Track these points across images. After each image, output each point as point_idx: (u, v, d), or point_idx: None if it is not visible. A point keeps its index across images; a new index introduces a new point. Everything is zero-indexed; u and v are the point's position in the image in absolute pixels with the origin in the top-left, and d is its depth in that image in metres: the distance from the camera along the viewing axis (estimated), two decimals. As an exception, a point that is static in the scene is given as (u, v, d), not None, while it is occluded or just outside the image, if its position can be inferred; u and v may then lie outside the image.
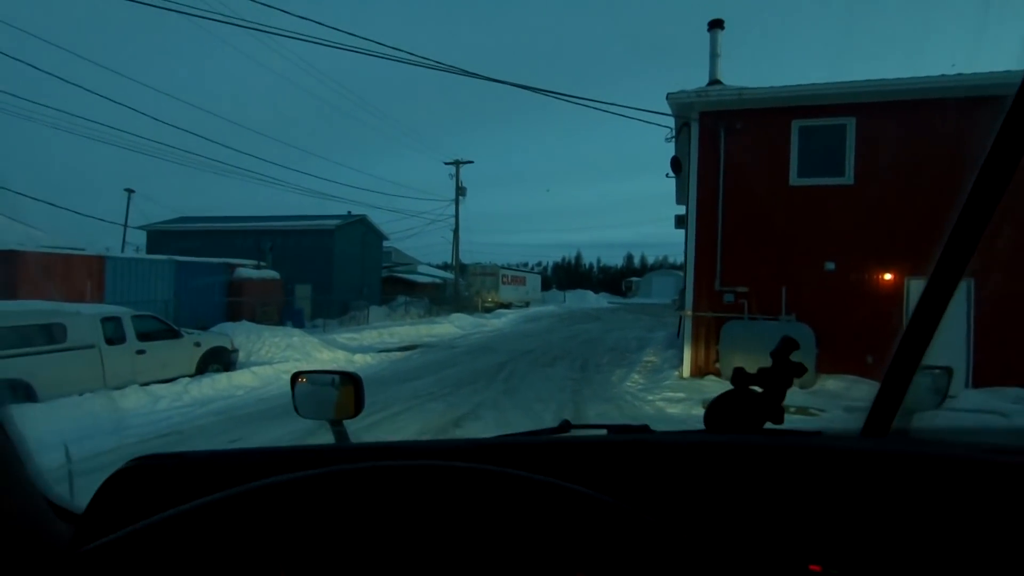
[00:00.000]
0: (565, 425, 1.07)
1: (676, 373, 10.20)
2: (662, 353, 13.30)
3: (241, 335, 12.37)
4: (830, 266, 9.18)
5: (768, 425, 0.99)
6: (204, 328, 13.06)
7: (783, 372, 1.00)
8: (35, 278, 12.79)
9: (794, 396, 9.04)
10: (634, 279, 77.06)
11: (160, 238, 26.60)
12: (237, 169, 30.08)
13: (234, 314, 17.01)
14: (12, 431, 0.62)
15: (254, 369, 10.65)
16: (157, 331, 9.56)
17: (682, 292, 11.66)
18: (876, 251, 9.00)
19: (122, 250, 29.12)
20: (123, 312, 9.22)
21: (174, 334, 9.86)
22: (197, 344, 10.24)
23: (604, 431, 1.01)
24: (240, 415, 8.07)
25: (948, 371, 1.20)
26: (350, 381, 1.20)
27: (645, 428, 1.02)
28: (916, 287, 8.81)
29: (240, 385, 9.79)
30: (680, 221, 14.36)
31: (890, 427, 0.89)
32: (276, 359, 11.69)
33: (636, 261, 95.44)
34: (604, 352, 15.04)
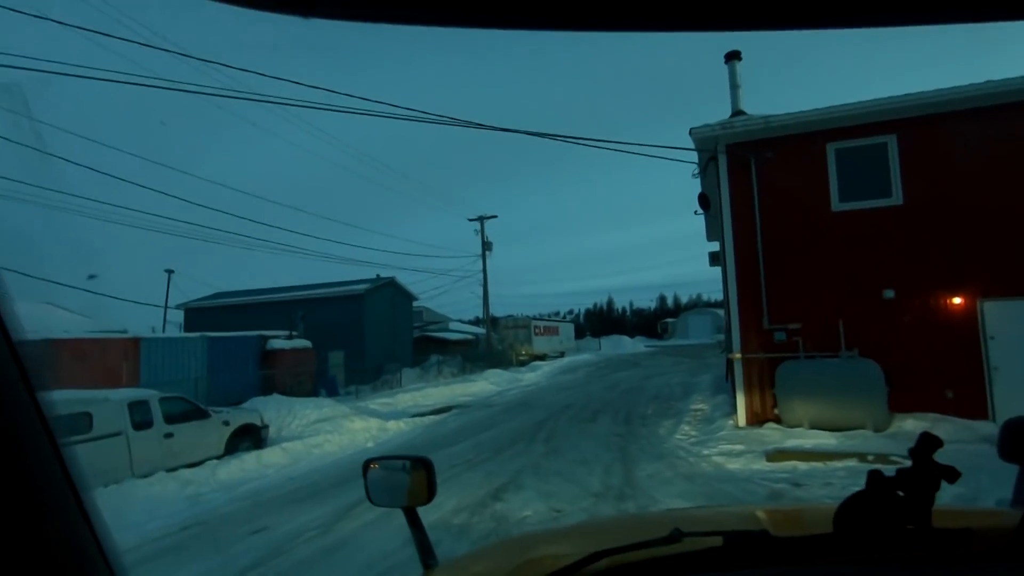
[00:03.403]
0: (676, 534, 0.92)
1: (730, 422, 9.38)
2: (711, 399, 12.43)
3: (271, 409, 12.09)
4: (889, 293, 8.43)
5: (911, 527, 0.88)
6: (237, 403, 12.88)
7: (928, 474, 0.87)
8: (72, 364, 12.90)
9: (869, 441, 8.14)
10: (669, 320, 75.53)
11: (196, 315, 27.15)
12: (268, 243, 30.86)
13: (268, 387, 16.89)
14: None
15: (284, 446, 10.27)
16: (185, 412, 9.33)
17: (727, 333, 10.95)
18: (938, 273, 8.24)
19: (163, 329, 29.90)
20: (151, 395, 9.04)
21: (202, 414, 9.61)
22: (226, 423, 9.96)
23: (719, 539, 0.91)
24: (267, 499, 7.63)
25: None
26: (422, 466, 1.17)
27: (765, 536, 0.92)
28: (991, 310, 7.98)
29: (269, 464, 9.39)
30: (715, 258, 13.76)
31: None
32: (307, 433, 11.31)
33: (670, 301, 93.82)
34: (648, 401, 14.22)
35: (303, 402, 12.86)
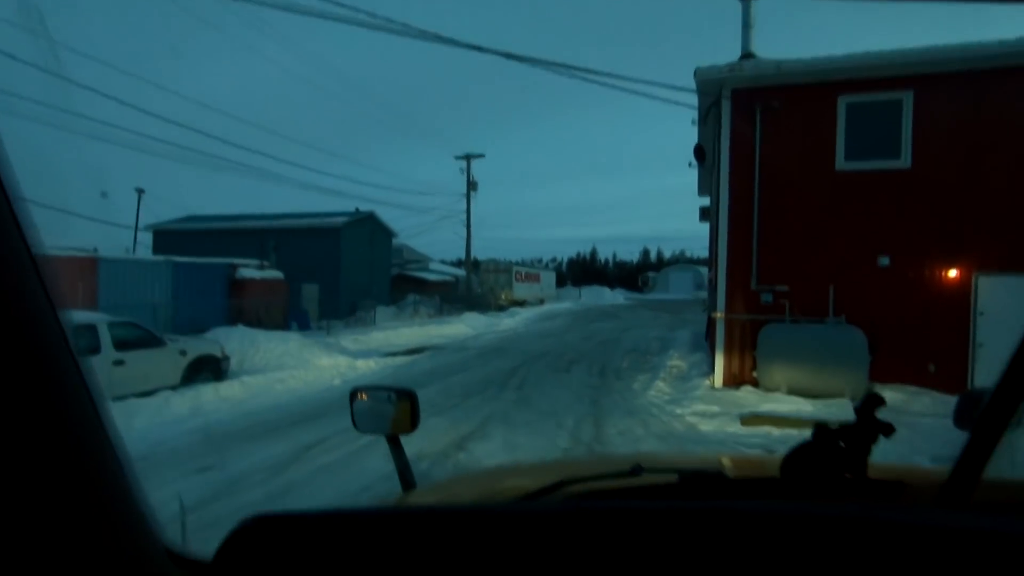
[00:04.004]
0: (636, 469, 1.03)
1: (707, 382, 9.17)
2: (688, 357, 12.26)
3: (235, 341, 11.61)
4: (884, 261, 8.08)
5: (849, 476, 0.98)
6: (201, 333, 12.36)
7: (868, 429, 0.95)
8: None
9: (846, 409, 7.96)
10: (651, 274, 75.79)
11: (165, 238, 26.11)
12: (246, 167, 29.49)
13: (236, 317, 16.33)
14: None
15: (244, 379, 9.87)
16: (138, 339, 8.79)
17: (710, 291, 10.62)
18: (938, 244, 7.89)
19: (134, 251, 28.82)
20: (99, 319, 8.47)
21: (157, 342, 9.09)
22: (183, 352, 9.47)
23: (675, 475, 1.03)
24: (221, 433, 7.26)
25: None
26: (406, 397, 1.22)
27: (719, 476, 1.04)
28: (986, 285, 7.70)
29: (227, 397, 9.00)
30: (705, 213, 13.30)
31: (976, 486, 0.83)
32: (271, 367, 10.90)
33: (653, 255, 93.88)
34: (624, 354, 14.04)
35: (269, 335, 12.38)
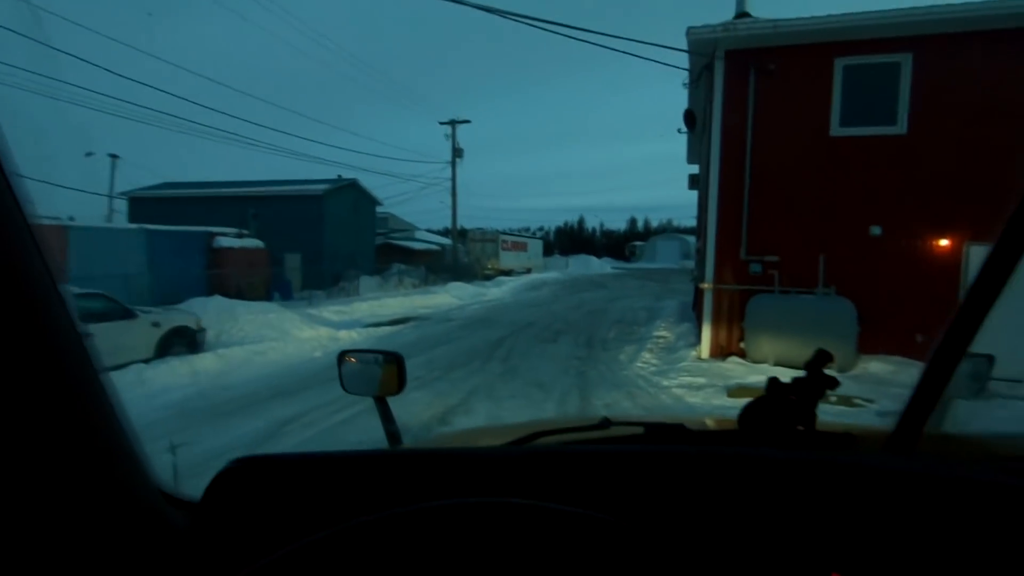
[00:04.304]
0: (604, 422, 1.11)
1: (693, 353, 9.07)
2: (675, 328, 12.16)
3: (212, 312, 11.28)
4: (876, 231, 7.92)
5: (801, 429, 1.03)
6: (176, 304, 11.99)
7: (817, 383, 1.04)
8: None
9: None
10: (638, 243, 75.73)
11: (142, 206, 25.31)
12: (225, 133, 28.44)
13: (216, 288, 15.92)
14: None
15: (221, 352, 9.58)
16: (106, 311, 8.43)
17: (698, 261, 10.45)
18: (931, 213, 7.72)
19: (109, 219, 27.95)
20: (62, 291, 8.08)
21: (127, 314, 8.74)
22: (156, 324, 9.14)
23: (641, 428, 1.08)
24: (195, 408, 7.02)
25: (989, 358, 1.20)
26: (393, 360, 1.26)
27: (681, 428, 1.09)
28: (977, 254, 7.57)
29: (203, 370, 8.73)
30: (694, 181, 13.04)
31: (920, 434, 0.90)
32: (249, 339, 10.61)
33: (640, 224, 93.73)
34: (611, 325, 13.93)
35: (248, 306, 12.04)
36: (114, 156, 40.98)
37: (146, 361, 8.66)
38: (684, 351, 9.38)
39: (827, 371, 1.04)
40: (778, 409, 1.02)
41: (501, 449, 0.92)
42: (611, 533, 0.62)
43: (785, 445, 0.97)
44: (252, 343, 10.35)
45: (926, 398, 0.89)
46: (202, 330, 9.98)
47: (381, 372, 1.32)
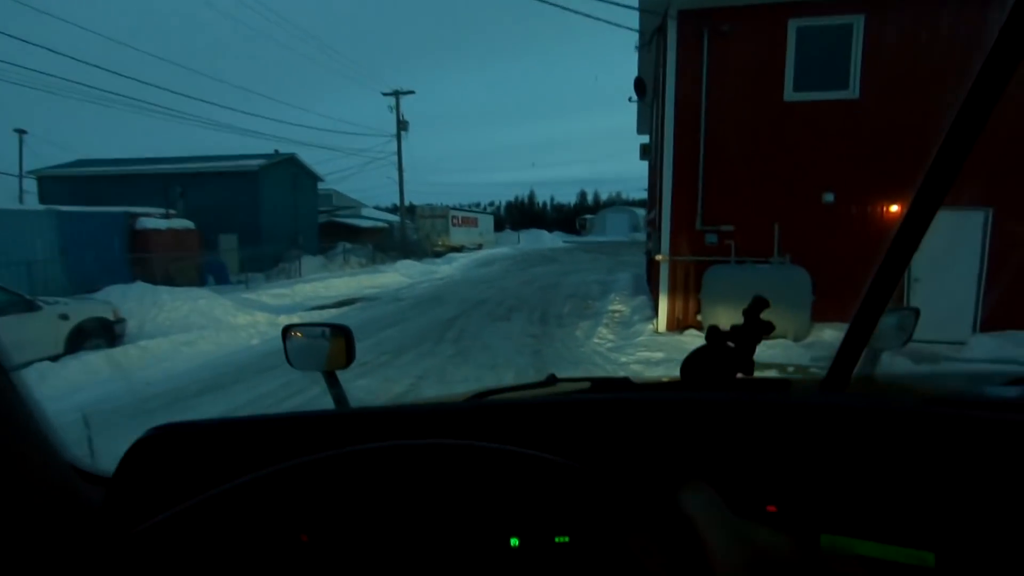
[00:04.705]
0: (551, 379, 1.14)
1: (650, 327, 8.89)
2: (630, 301, 12.01)
3: (133, 299, 10.29)
4: (829, 197, 7.86)
5: (741, 376, 1.08)
6: (92, 292, 10.88)
7: (753, 329, 1.07)
8: None
9: (789, 350, 7.87)
10: (588, 216, 76.17)
11: (54, 185, 23.13)
12: (143, 104, 26.07)
13: (142, 273, 14.67)
14: (30, 397, 0.63)
15: (144, 344, 8.71)
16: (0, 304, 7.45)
17: (652, 232, 10.24)
18: (884, 179, 7.70)
19: (20, 201, 25.41)
20: (-57, 282, 7.05)
21: (27, 306, 7.76)
22: (64, 317, 8.17)
23: (588, 383, 1.12)
24: (110, 410, 6.26)
25: (915, 311, 1.25)
26: (340, 333, 1.22)
27: (626, 381, 1.16)
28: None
29: (121, 367, 7.87)
30: (646, 151, 12.79)
31: (850, 377, 0.97)
32: (176, 328, 9.72)
33: (590, 198, 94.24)
34: (564, 300, 13.68)
35: (174, 292, 11.06)
36: (21, 131, 37.46)
37: (54, 358, 7.74)
38: (640, 325, 9.20)
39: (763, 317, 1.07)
40: (717, 357, 1.06)
41: (448, 404, 0.90)
42: (572, 476, 0.64)
43: (724, 391, 0.99)
44: (180, 332, 9.48)
45: (854, 344, 0.94)
46: (120, 321, 9.04)
47: (328, 346, 1.25)
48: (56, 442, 0.65)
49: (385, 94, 28.74)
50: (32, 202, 23.96)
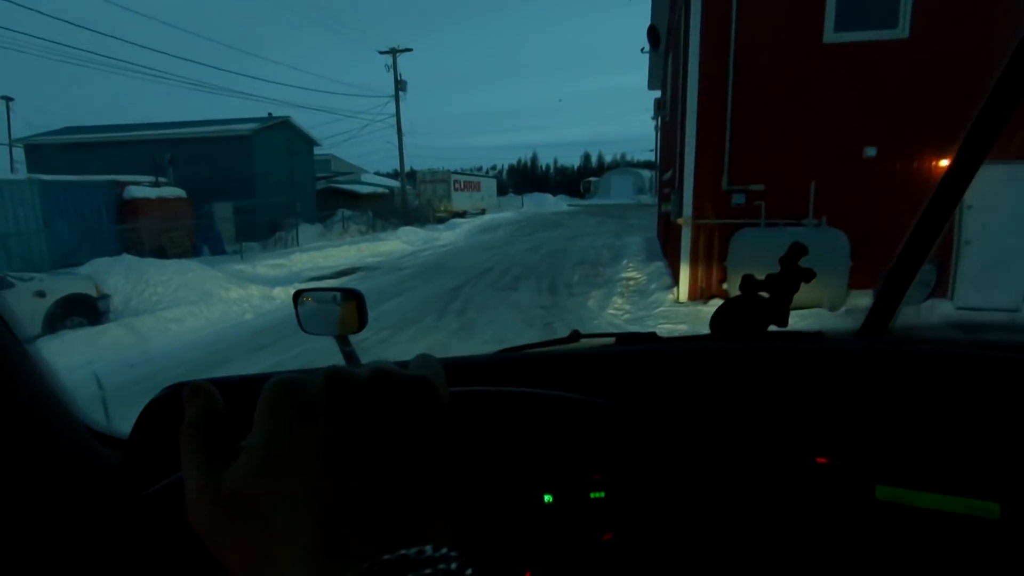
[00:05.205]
0: (575, 335, 1.09)
1: (670, 296, 8.28)
2: (644, 268, 11.36)
3: (118, 274, 9.71)
4: (871, 152, 7.10)
5: (773, 328, 1.02)
6: (76, 267, 10.32)
7: (791, 278, 1.03)
8: None
9: (824, 320, 7.25)
10: (592, 179, 74.74)
11: (42, 154, 22.27)
12: (130, 66, 24.89)
13: (131, 245, 14.06)
14: (45, 363, 0.63)
15: (130, 321, 8.18)
16: (-32, 282, 6.88)
17: (670, 193, 9.51)
18: (934, 131, 6.91)
19: (11, 171, 24.63)
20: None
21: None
22: (40, 294, 7.62)
23: (612, 339, 1.05)
24: (86, 397, 5.74)
25: (936, 266, 1.23)
26: (352, 297, 1.18)
27: (652, 335, 1.07)
28: (985, 175, 6.89)
29: (105, 346, 7.38)
30: (660, 106, 11.92)
31: (888, 327, 0.94)
32: (164, 304, 9.18)
33: (594, 160, 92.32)
34: (573, 267, 13.04)
35: (162, 265, 10.47)
36: (7, 98, 36.33)
37: (30, 339, 7.21)
38: (659, 294, 8.58)
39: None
40: (750, 309, 1.01)
41: (477, 357, 0.87)
42: (607, 413, 0.64)
43: (754, 343, 0.91)
44: (168, 308, 8.94)
45: (892, 294, 0.95)
46: (104, 297, 8.49)
47: (340, 310, 1.16)
48: (72, 406, 0.65)
49: (382, 52, 27.48)
50: (23, 172, 23.24)
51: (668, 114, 11.46)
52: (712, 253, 7.72)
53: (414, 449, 0.28)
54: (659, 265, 10.92)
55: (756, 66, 7.25)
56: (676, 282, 8.30)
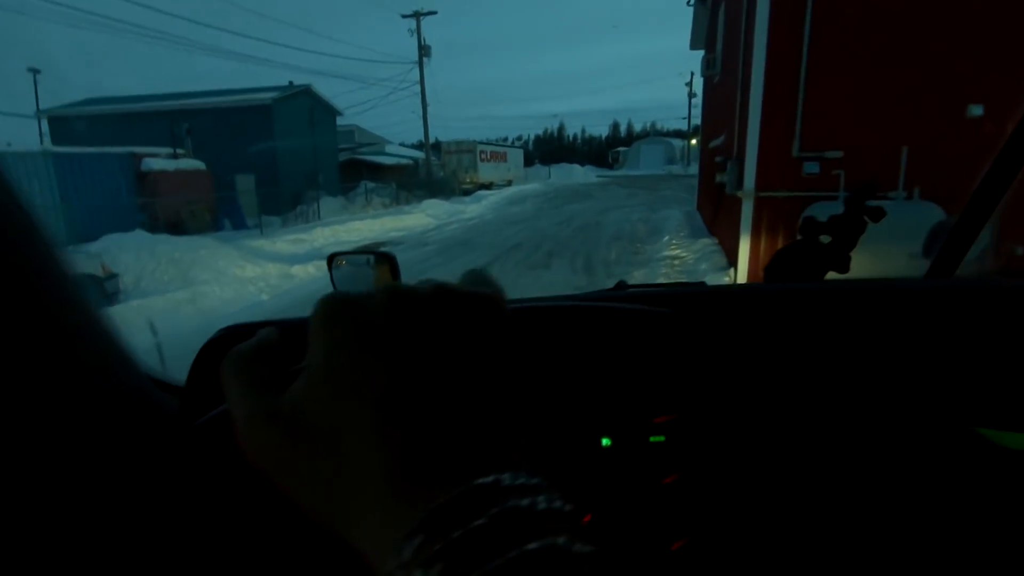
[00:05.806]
0: (621, 285, 1.02)
1: (725, 278, 7.39)
2: (689, 244, 10.40)
3: (130, 252, 9.22)
4: (976, 111, 6.00)
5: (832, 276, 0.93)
6: (89, 243, 9.87)
7: (856, 218, 0.93)
8: None
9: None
10: (621, 149, 72.73)
11: (65, 126, 22.05)
12: (143, 31, 24.21)
13: (150, 220, 13.64)
14: (104, 312, 0.61)
15: (138, 303, 7.67)
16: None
17: (722, 161, 8.50)
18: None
19: (40, 143, 24.56)
20: None
21: (-5, 264, 6.68)
22: (41, 274, 7.10)
23: (661, 288, 1.02)
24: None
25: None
26: (385, 260, 1.11)
27: (702, 284, 1.02)
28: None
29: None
30: (709, 64, 10.77)
31: (955, 271, 0.89)
32: (176, 283, 8.65)
33: (623, 129, 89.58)
34: (609, 242, 12.15)
35: (174, 241, 9.95)
36: (35, 71, 36.33)
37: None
38: (712, 275, 7.68)
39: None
40: (808, 254, 0.94)
41: (520, 301, 0.84)
42: (670, 322, 0.62)
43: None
44: (179, 288, 8.41)
45: (965, 234, 0.90)
46: (112, 276, 7.99)
47: (374, 274, 1.09)
48: (132, 354, 0.63)
49: (404, 16, 26.35)
50: (49, 144, 23.10)
51: (719, 72, 10.33)
52: (778, 230, 6.76)
53: (487, 368, 0.26)
54: (707, 243, 9.94)
55: (837, 6, 6.16)
56: (731, 263, 7.39)
